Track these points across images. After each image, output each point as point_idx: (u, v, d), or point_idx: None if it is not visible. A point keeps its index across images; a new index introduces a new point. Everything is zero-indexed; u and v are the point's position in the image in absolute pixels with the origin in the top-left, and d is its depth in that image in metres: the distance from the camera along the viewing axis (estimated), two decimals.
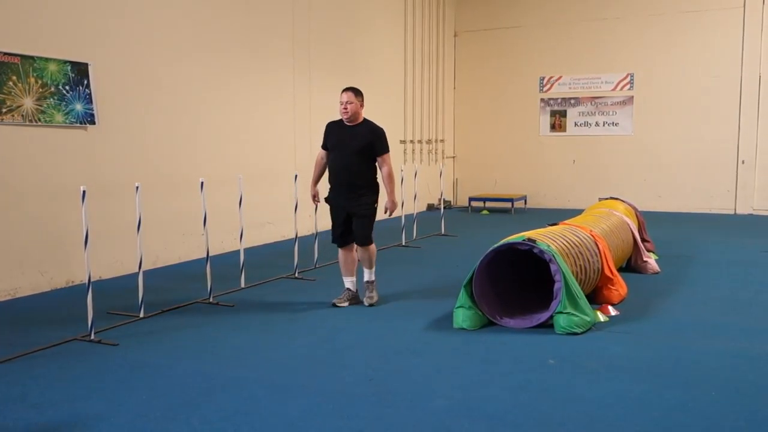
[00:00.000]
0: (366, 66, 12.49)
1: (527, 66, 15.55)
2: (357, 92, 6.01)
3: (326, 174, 6.32)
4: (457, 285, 5.64)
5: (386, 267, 7.63)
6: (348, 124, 6.05)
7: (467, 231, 11.42)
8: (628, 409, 3.72)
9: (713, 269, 7.85)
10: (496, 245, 5.51)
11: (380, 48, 13.13)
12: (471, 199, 15.07)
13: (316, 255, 7.95)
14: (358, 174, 5.99)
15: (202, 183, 6.25)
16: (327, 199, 6.20)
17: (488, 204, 15.00)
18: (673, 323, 5.50)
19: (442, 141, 15.73)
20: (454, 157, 16.33)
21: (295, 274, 7.44)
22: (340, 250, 6.26)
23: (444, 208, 11.83)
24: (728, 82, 13.73)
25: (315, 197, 6.48)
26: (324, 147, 6.26)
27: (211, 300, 6.22)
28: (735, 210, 13.82)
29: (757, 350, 4.77)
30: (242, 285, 6.85)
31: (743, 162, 13.69)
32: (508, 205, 14.70)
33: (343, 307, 6.12)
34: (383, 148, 6.05)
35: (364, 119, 6.11)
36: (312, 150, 10.62)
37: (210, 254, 6.30)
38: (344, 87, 6.09)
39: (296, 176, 7.62)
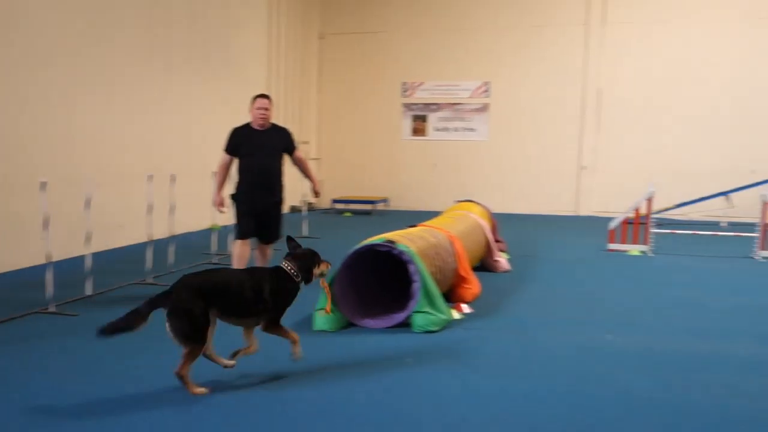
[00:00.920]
0: (227, 65, 12.22)
1: (391, 71, 15.90)
2: (270, 98, 6.45)
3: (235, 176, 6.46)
4: (318, 287, 5.65)
5: None
6: (259, 128, 6.39)
7: (330, 233, 11.48)
8: (482, 402, 3.90)
9: (558, 267, 8.42)
10: (356, 247, 5.59)
11: (242, 48, 12.88)
12: (334, 201, 15.17)
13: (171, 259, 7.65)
14: (277, 175, 6.44)
15: (42, 183, 5.81)
16: (236, 198, 6.40)
17: (351, 206, 15.16)
18: (522, 319, 5.84)
19: (306, 143, 15.69)
20: (317, 159, 16.36)
21: (148, 279, 7.11)
22: (240, 244, 6.44)
23: (307, 210, 11.81)
24: (571, 94, 14.80)
25: (222, 203, 6.63)
26: (231, 152, 6.44)
27: (52, 309, 5.79)
28: (577, 211, 14.92)
29: (598, 342, 5.17)
30: (88, 292, 6.44)
31: (584, 167, 14.82)
32: (369, 207, 14.94)
33: None
34: (295, 143, 6.57)
35: (272, 123, 6.49)
36: (168, 150, 10.20)
37: (53, 259, 5.86)
38: (257, 94, 6.52)
39: (151, 176, 7.29)
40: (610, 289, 7.14)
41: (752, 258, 9.15)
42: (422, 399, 3.96)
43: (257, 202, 6.38)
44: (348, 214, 14.70)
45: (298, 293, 4.31)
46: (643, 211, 9.51)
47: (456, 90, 15.56)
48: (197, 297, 3.86)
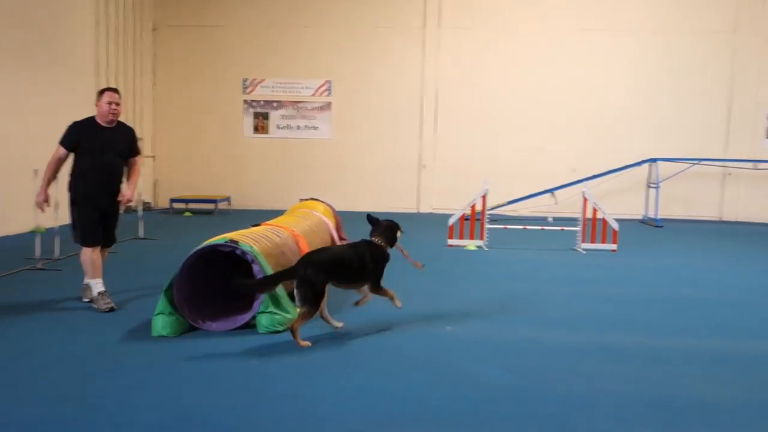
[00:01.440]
0: (50, 55, 11.25)
1: (231, 66, 15.48)
2: (119, 92, 6.08)
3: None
4: (157, 291, 5.35)
5: (77, 275, 6.93)
6: (106, 125, 5.97)
7: (169, 234, 10.95)
8: (338, 402, 3.87)
9: (401, 263, 8.60)
10: (197, 248, 5.35)
11: (67, 38, 11.92)
12: (173, 201, 14.50)
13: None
14: (119, 175, 6.11)
15: None
16: (79, 199, 5.89)
17: (191, 205, 14.58)
18: (367, 314, 5.88)
19: (141, 139, 14.83)
20: (153, 157, 15.54)
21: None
22: (91, 252, 5.95)
23: (143, 210, 11.16)
24: (411, 94, 15.27)
25: (46, 202, 6.09)
26: (70, 147, 5.90)
27: None
28: (418, 209, 15.42)
29: (447, 333, 5.34)
30: None
31: (424, 166, 15.35)
32: (211, 206, 14.45)
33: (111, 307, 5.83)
34: (138, 148, 6.30)
35: (118, 120, 6.09)
36: None
37: None
38: (104, 87, 6.10)
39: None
40: (451, 283, 7.41)
41: (575, 250, 9.93)
42: (270, 401, 3.86)
43: (103, 205, 5.98)
44: (188, 214, 14.12)
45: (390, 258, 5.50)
46: (478, 207, 10.00)
47: (298, 88, 15.48)
48: (320, 271, 4.94)
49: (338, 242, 8.09)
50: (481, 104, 15.20)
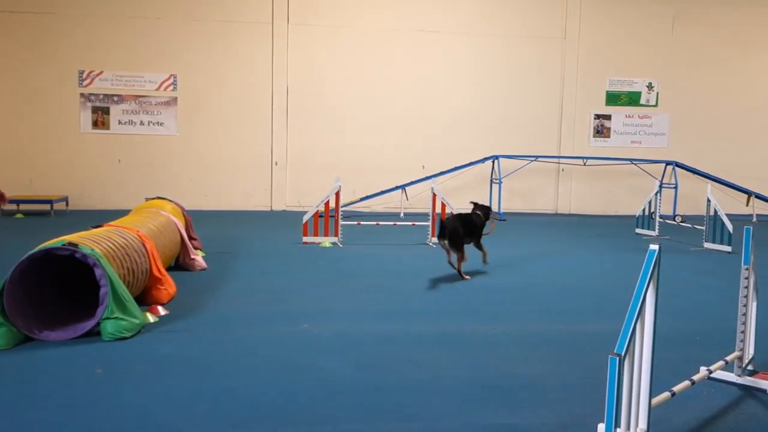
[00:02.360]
0: None
1: (64, 57, 14.39)
2: None
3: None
4: None
5: None
6: None
7: None
8: (178, 407, 3.72)
9: (256, 262, 8.46)
10: (30, 252, 4.92)
11: None
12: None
13: None
14: None
15: None
16: None
17: (22, 206, 13.40)
18: (221, 316, 5.73)
19: None
20: None
21: None
22: None
23: None
24: (262, 91, 15.02)
25: None
26: None
27: None
28: (271, 207, 15.22)
29: (297, 332, 5.30)
30: None
31: (276, 163, 15.17)
32: (47, 207, 13.38)
33: None
34: None
35: None
36: None
37: None
38: None
39: None
40: (307, 280, 7.38)
41: (427, 244, 10.26)
42: (116, 411, 3.63)
43: None
44: (20, 216, 12.96)
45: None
46: (332, 204, 10.05)
47: (141, 82, 14.69)
48: (460, 227, 7.49)
49: (188, 242, 7.79)
50: (332, 101, 15.27)
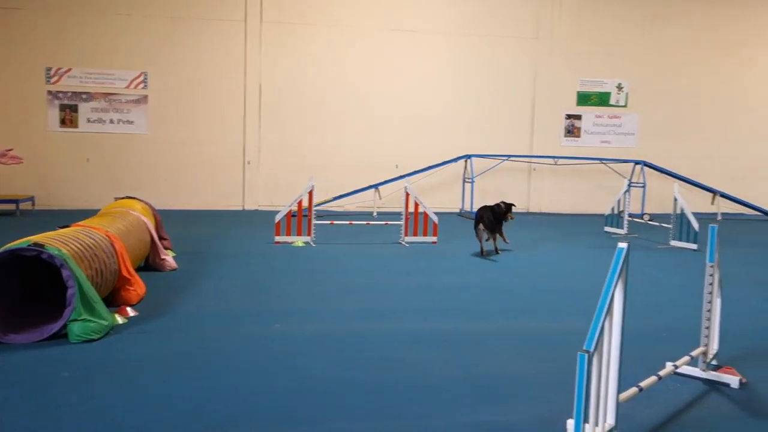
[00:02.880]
0: None
1: (31, 53, 14.14)
2: None
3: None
4: None
5: None
6: None
7: None
8: (153, 410, 3.67)
9: (227, 262, 8.40)
10: None
11: None
12: None
13: None
14: None
15: None
16: None
17: None
18: (193, 317, 5.68)
19: None
20: None
21: None
22: None
23: None
24: (234, 90, 14.91)
25: None
26: None
27: None
28: (243, 206, 15.12)
29: (276, 331, 5.27)
30: None
31: (249, 162, 15.07)
32: (12, 206, 13.12)
33: None
34: None
35: None
36: None
37: None
38: None
39: None
40: (279, 280, 7.35)
41: (400, 243, 10.28)
42: (85, 414, 3.58)
43: None
44: None
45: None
46: (305, 204, 10.01)
47: (111, 79, 14.49)
48: (489, 215, 9.36)
49: (158, 242, 7.71)
50: (306, 100, 15.21)
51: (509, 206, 9.73)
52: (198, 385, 4.07)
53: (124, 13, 14.39)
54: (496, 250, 9.54)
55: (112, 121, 14.59)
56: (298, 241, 9.97)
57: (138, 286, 6.11)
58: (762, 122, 17.10)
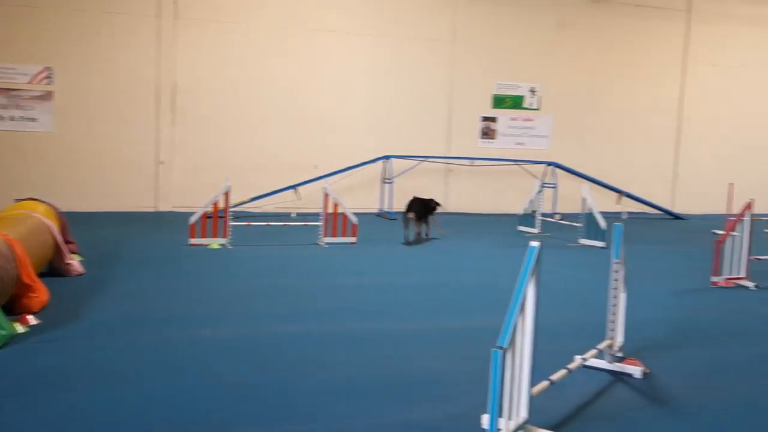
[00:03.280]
0: None
1: None
2: None
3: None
4: None
5: None
6: None
7: None
8: (56, 424, 3.50)
9: (139, 265, 8.11)
10: None
11: None
12: None
13: None
14: None
15: None
16: None
17: None
18: (103, 323, 5.45)
19: None
20: None
21: None
22: None
23: None
24: (146, 87, 14.42)
25: None
26: None
27: None
28: (157, 208, 14.66)
29: (188, 336, 5.12)
30: None
31: (163, 162, 14.62)
32: None
33: None
34: None
35: None
36: None
37: None
38: None
39: None
40: (194, 284, 7.17)
41: (318, 244, 10.22)
42: None
43: None
44: None
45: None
46: (221, 205, 9.80)
47: (11, 74, 13.71)
48: (418, 207, 10.54)
49: (63, 246, 7.36)
50: (223, 99, 14.89)
51: (437, 204, 11.17)
52: (113, 394, 3.91)
53: (25, 5, 13.63)
54: (427, 236, 10.99)
55: (12, 118, 13.80)
56: (214, 243, 9.76)
57: (40, 293, 5.81)
58: (659, 126, 18.05)
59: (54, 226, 7.40)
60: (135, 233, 11.02)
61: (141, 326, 5.42)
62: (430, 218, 11.08)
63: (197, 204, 12.08)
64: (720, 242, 7.72)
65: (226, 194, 9.82)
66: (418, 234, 10.66)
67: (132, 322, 5.53)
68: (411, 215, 10.42)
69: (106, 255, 8.68)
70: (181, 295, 6.61)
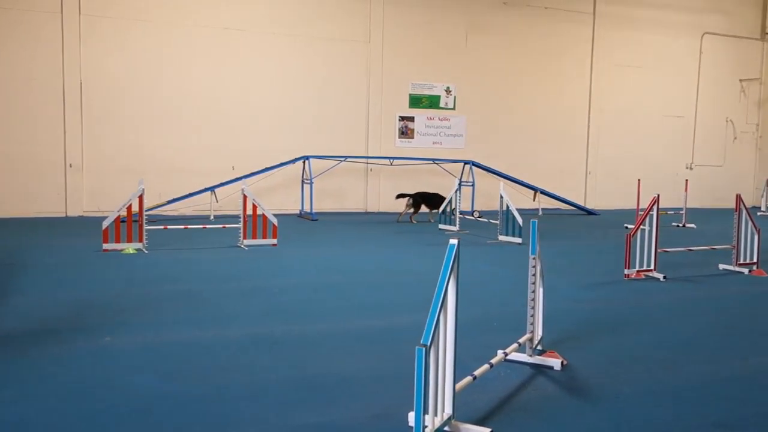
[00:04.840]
0: None
1: None
2: None
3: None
4: None
5: None
6: None
7: None
8: None
9: (46, 273, 7.73)
10: None
11: None
12: None
13: None
14: None
15: None
16: None
17: None
18: (5, 335, 5.15)
19: None
20: None
21: None
22: None
23: None
24: (51, 87, 13.76)
25: None
26: None
27: None
28: (66, 213, 14.01)
29: (97, 346, 4.91)
30: None
31: (71, 165, 13.99)
32: None
33: None
34: None
35: None
36: None
37: None
38: None
39: None
40: (108, 290, 6.88)
41: (239, 246, 10.04)
42: None
43: None
44: None
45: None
46: (135, 208, 9.47)
47: None
48: (420, 196, 14.28)
49: None
50: (133, 100, 14.40)
51: (442, 199, 13.36)
52: (15, 411, 3.69)
53: None
54: (430, 221, 14.09)
55: None
56: (129, 248, 9.42)
57: None
58: (570, 124, 18.74)
59: None
60: (43, 239, 10.50)
61: (48, 338, 5.14)
62: (434, 210, 13.92)
63: (110, 208, 11.66)
64: (631, 236, 8.07)
65: (140, 197, 9.50)
66: (410, 217, 14.18)
67: (38, 334, 5.25)
68: (409, 201, 14.05)
69: (9, 262, 8.22)
70: (91, 303, 6.33)
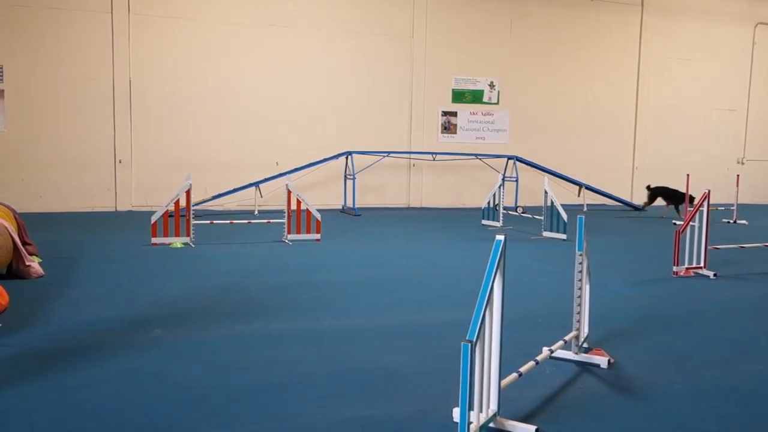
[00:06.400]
0: None
1: None
2: None
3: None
4: None
5: None
6: None
7: None
8: (31, 423, 3.41)
9: (101, 266, 7.96)
10: None
11: None
12: None
13: None
14: None
15: None
16: None
17: None
18: (64, 327, 5.33)
19: None
20: None
21: None
22: None
23: None
24: (102, 84, 14.13)
25: None
26: None
27: None
28: (116, 207, 14.39)
29: (148, 338, 5.03)
30: None
31: (120, 161, 14.35)
32: None
33: None
34: None
35: None
36: None
37: None
38: None
39: None
40: (156, 284, 7.06)
41: (283, 241, 10.16)
42: None
43: None
44: None
45: None
46: (183, 203, 9.67)
47: None
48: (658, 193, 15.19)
49: (22, 248, 7.17)
50: (180, 96, 14.68)
51: (683, 196, 13.30)
52: (72, 399, 3.82)
53: None
54: (644, 209, 15.93)
55: None
56: (177, 242, 9.62)
57: (1, 296, 5.66)
58: (617, 118, 18.39)
59: (12, 228, 7.21)
60: (95, 234, 10.80)
61: (102, 328, 5.31)
62: (680, 206, 14.19)
63: (158, 203, 11.93)
64: (680, 232, 7.91)
65: (188, 192, 9.68)
66: (644, 206, 15.83)
67: (93, 324, 5.42)
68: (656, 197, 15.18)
69: (66, 256, 8.49)
70: (142, 295, 6.50)
